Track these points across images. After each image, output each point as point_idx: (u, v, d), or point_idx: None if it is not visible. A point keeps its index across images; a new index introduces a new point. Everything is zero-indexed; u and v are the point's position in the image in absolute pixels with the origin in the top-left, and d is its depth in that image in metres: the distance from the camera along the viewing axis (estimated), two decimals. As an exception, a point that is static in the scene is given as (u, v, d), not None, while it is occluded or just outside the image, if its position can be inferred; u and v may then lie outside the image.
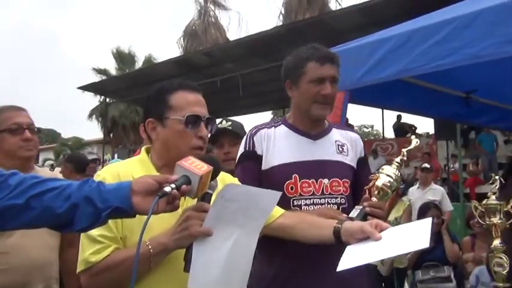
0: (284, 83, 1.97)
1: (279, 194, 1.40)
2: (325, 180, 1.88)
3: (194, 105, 1.46)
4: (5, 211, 1.09)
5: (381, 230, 1.40)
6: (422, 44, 2.60)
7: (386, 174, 1.74)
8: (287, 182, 1.87)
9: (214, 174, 1.30)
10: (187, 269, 1.26)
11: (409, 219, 5.31)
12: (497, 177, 2.21)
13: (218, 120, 2.55)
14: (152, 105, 1.49)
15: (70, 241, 2.08)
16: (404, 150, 1.80)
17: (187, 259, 1.27)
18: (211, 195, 1.32)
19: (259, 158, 1.92)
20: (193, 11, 23.80)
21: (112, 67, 25.09)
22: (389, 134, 16.40)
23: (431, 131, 14.33)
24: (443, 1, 3.31)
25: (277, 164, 1.90)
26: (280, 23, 17.72)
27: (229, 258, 1.30)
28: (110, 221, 1.29)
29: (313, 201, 1.87)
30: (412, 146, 1.84)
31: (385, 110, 12.97)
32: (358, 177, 1.97)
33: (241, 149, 1.99)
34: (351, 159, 1.97)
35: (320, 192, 1.88)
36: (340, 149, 1.96)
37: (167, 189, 1.16)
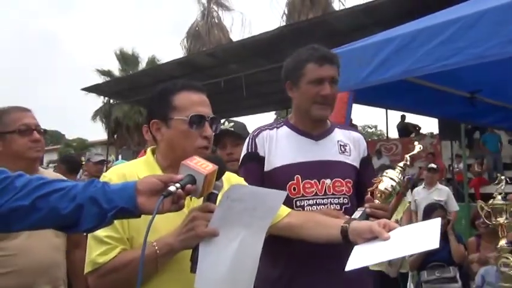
0: (284, 84, 1.98)
1: (284, 193, 1.40)
2: (328, 181, 1.89)
3: (198, 105, 1.46)
4: (12, 212, 1.09)
5: (389, 230, 1.40)
6: (426, 44, 2.60)
7: (389, 178, 1.74)
8: (289, 183, 1.87)
9: (220, 174, 1.30)
10: (193, 269, 1.26)
11: (409, 221, 5.28)
12: (503, 177, 2.21)
13: (221, 121, 2.55)
14: (156, 106, 1.49)
15: (77, 242, 2.09)
16: (407, 156, 1.80)
17: (194, 260, 1.27)
18: (217, 195, 1.32)
19: (261, 160, 1.93)
20: (197, 12, 23.91)
21: (115, 68, 25.20)
22: (393, 134, 16.36)
23: (436, 131, 14.31)
24: (446, 1, 3.30)
25: (280, 165, 1.91)
26: (284, 24, 17.74)
27: (235, 259, 1.30)
28: (116, 222, 1.30)
29: (316, 202, 1.87)
30: (415, 152, 1.84)
31: (389, 110, 12.96)
32: (362, 177, 1.97)
33: (243, 151, 2.00)
34: (353, 159, 1.97)
35: (323, 193, 1.88)
36: (343, 149, 1.97)
37: (172, 188, 1.16)
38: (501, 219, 2.13)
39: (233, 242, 1.31)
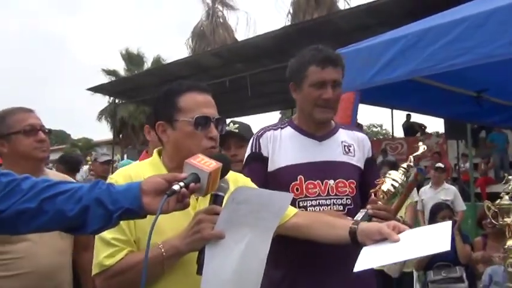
0: (289, 85, 1.98)
1: (291, 195, 1.41)
2: (331, 181, 1.88)
3: (203, 106, 1.45)
4: (19, 215, 1.10)
5: (399, 232, 1.39)
6: (433, 44, 2.59)
7: (392, 179, 1.74)
8: (292, 183, 1.87)
9: (224, 172, 1.30)
10: (199, 272, 1.26)
11: (413, 216, 5.20)
12: (510, 177, 2.20)
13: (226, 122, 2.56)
14: (161, 108, 1.49)
15: (85, 245, 2.08)
16: (411, 156, 1.80)
17: (200, 262, 1.27)
18: (223, 197, 1.32)
19: (265, 160, 1.93)
20: (201, 12, 23.90)
21: (121, 68, 25.28)
22: (399, 133, 16.30)
23: (441, 130, 14.25)
24: (452, 1, 3.29)
25: (283, 165, 1.91)
26: (289, 23, 17.72)
27: (242, 261, 1.30)
28: (123, 224, 1.30)
29: (319, 202, 1.87)
30: (419, 152, 1.83)
31: (394, 110, 12.89)
32: (366, 177, 1.97)
33: (247, 151, 2.00)
34: (357, 160, 1.97)
35: (326, 193, 1.88)
36: (347, 149, 1.96)
37: (176, 187, 1.16)
38: (508, 220, 2.12)
39: (239, 244, 1.30)
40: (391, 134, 16.93)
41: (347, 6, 16.58)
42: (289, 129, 1.99)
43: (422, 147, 1.84)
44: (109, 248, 1.32)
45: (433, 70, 2.67)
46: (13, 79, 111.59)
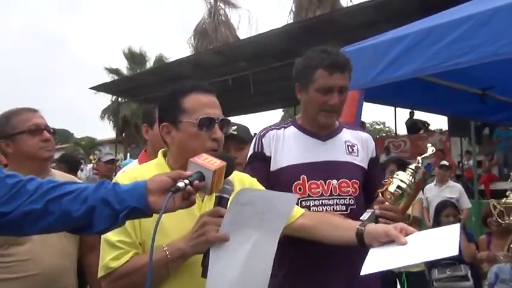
0: (294, 84, 1.96)
1: (296, 196, 1.40)
2: (334, 181, 1.88)
3: (207, 107, 1.44)
4: (25, 216, 1.09)
5: (407, 234, 1.38)
6: (439, 42, 2.58)
7: (400, 180, 1.73)
8: (295, 183, 1.87)
9: (228, 172, 1.29)
10: (204, 274, 1.26)
11: (421, 210, 5.14)
12: (516, 176, 2.19)
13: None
14: (165, 109, 1.48)
15: (91, 246, 2.07)
16: (419, 158, 1.79)
17: (205, 265, 1.27)
18: (227, 199, 1.32)
19: (267, 159, 1.93)
20: (204, 10, 23.85)
21: (123, 67, 25.30)
22: (402, 130, 16.26)
23: (445, 127, 14.20)
24: (456, -2, 3.27)
25: (286, 165, 1.90)
26: (291, 21, 17.68)
27: (247, 263, 1.29)
28: (128, 227, 1.30)
29: (322, 202, 1.86)
30: (428, 154, 1.82)
31: (398, 107, 12.85)
32: (370, 177, 1.96)
33: (250, 151, 2.00)
34: (361, 160, 1.96)
35: (328, 193, 1.87)
36: (350, 149, 1.95)
37: (180, 184, 1.15)
38: (514, 219, 2.12)
39: (244, 246, 1.30)
40: (394, 131, 16.89)
41: (350, 4, 16.54)
42: (292, 129, 1.98)
43: (431, 149, 1.83)
44: (114, 251, 1.32)
45: (438, 69, 2.66)
46: (14, 79, 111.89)
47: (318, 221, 1.63)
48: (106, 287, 1.36)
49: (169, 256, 1.30)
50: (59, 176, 2.14)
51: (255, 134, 2.09)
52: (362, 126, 8.46)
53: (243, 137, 2.53)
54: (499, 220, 2.45)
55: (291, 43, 8.91)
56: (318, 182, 1.87)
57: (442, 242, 1.30)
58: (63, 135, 38.88)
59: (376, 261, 1.35)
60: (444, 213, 4.60)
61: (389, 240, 1.38)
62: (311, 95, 1.87)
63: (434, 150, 1.85)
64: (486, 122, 10.34)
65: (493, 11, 2.42)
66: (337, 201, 1.87)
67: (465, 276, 4.34)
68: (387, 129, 33.96)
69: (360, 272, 1.32)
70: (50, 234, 1.22)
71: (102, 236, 1.33)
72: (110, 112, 24.13)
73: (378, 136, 20.48)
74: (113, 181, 1.33)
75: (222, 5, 23.45)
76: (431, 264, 4.40)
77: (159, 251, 1.27)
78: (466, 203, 6.27)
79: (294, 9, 19.24)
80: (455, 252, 1.22)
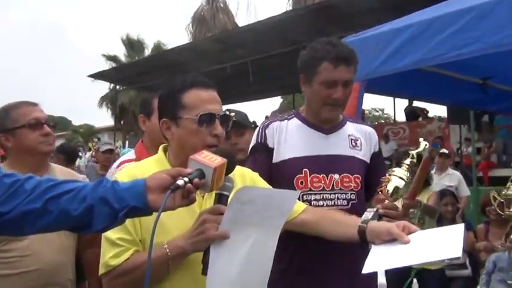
0: (299, 76, 1.94)
1: (297, 193, 1.39)
2: (336, 176, 1.87)
3: (208, 102, 1.42)
4: (24, 216, 1.09)
5: (409, 233, 1.37)
6: (440, 34, 2.56)
7: (398, 177, 1.72)
8: (297, 176, 1.86)
9: (229, 169, 1.28)
10: (205, 272, 1.26)
11: (436, 203, 5.05)
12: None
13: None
14: (165, 105, 1.47)
15: (90, 241, 2.07)
16: (414, 152, 1.78)
17: (205, 262, 1.27)
18: (227, 197, 1.31)
19: (270, 151, 1.91)
20: (202, -3, 23.57)
21: (121, 54, 25.13)
22: (401, 117, 16.25)
23: (444, 114, 14.19)
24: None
25: (288, 157, 1.89)
26: (290, 7, 17.51)
27: (247, 260, 1.29)
28: (128, 224, 1.29)
29: (323, 197, 1.86)
30: (421, 149, 1.81)
31: (398, 98, 12.81)
32: (372, 172, 1.95)
33: (253, 141, 1.98)
34: (364, 154, 1.95)
35: (330, 188, 1.86)
36: (354, 143, 1.94)
37: (180, 182, 1.14)
38: (514, 210, 2.13)
39: (244, 243, 1.29)
40: (392, 118, 16.87)
41: (349, -10, 16.35)
42: (295, 121, 1.97)
43: (423, 144, 1.82)
44: (115, 248, 1.32)
45: (440, 60, 2.65)
46: (12, 67, 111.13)
47: (321, 216, 1.63)
48: (107, 285, 1.36)
49: (169, 254, 1.29)
50: (59, 170, 2.13)
51: (253, 122, 2.08)
52: (362, 113, 8.43)
53: (242, 122, 2.52)
54: (499, 211, 2.46)
55: (290, 30, 8.85)
56: (320, 176, 1.86)
57: (446, 242, 1.29)
58: (61, 123, 38.76)
59: (377, 260, 1.34)
60: (443, 201, 4.63)
61: (392, 239, 1.38)
62: (315, 88, 1.85)
63: (428, 145, 1.83)
64: (487, 111, 10.35)
65: (495, 2, 2.40)
66: (339, 195, 1.87)
67: (463, 265, 4.39)
68: (386, 115, 33.92)
69: (360, 269, 1.32)
70: None
71: (103, 234, 1.33)
72: (108, 100, 24.01)
73: (376, 123, 20.43)
74: (113, 179, 1.32)
75: (220, -9, 23.21)
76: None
77: (159, 248, 1.27)
78: (465, 191, 6.29)
79: (292, -5, 19.04)
80: (459, 254, 1.22)
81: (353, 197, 1.88)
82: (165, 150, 1.52)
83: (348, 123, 2.00)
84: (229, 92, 11.51)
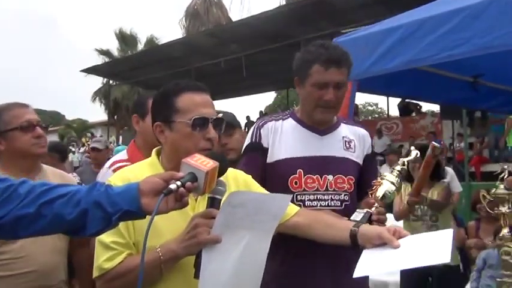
0: (294, 78, 1.95)
1: (289, 197, 1.40)
2: (330, 177, 1.88)
3: (201, 106, 1.42)
4: (18, 220, 1.10)
5: (399, 237, 1.39)
6: (431, 34, 2.57)
7: (389, 181, 1.74)
8: (291, 177, 1.87)
9: (221, 172, 1.29)
10: (197, 275, 1.27)
11: (444, 198, 4.95)
12: (506, 166, 2.22)
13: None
14: (158, 109, 1.47)
15: (81, 242, 2.06)
16: (405, 160, 1.80)
17: (197, 266, 1.28)
18: (220, 200, 1.31)
19: (265, 151, 1.92)
20: (195, -9, 23.43)
21: (114, 48, 24.96)
22: (394, 112, 16.31)
23: (436, 109, 14.26)
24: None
25: (283, 157, 1.90)
26: (284, 3, 17.47)
27: (239, 264, 1.30)
28: (122, 228, 1.30)
29: (317, 197, 1.87)
30: (412, 157, 1.83)
31: (390, 97, 12.82)
32: (364, 174, 1.97)
33: (247, 140, 1.99)
34: (357, 156, 1.97)
35: (324, 188, 1.87)
36: (347, 145, 1.96)
37: (172, 186, 1.15)
38: (503, 209, 2.16)
39: (237, 247, 1.30)
40: (386, 113, 16.93)
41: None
42: (290, 121, 1.98)
43: (414, 152, 1.84)
44: (108, 252, 1.33)
45: (431, 61, 2.66)
46: (5, 61, 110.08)
47: (313, 219, 1.63)
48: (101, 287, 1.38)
49: (162, 257, 1.30)
50: (51, 172, 2.12)
51: (247, 117, 2.09)
52: (355, 109, 8.45)
53: (231, 121, 2.52)
54: (489, 210, 2.49)
55: (284, 25, 8.85)
56: (314, 177, 1.87)
57: (435, 248, 1.30)
58: (54, 117, 38.54)
59: (368, 264, 1.37)
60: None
61: (383, 243, 1.40)
62: (308, 89, 1.87)
63: (419, 154, 1.85)
64: (478, 109, 10.41)
65: (486, 3, 2.41)
66: (332, 196, 1.88)
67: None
68: (380, 110, 34.02)
69: (352, 271, 1.33)
70: None
71: (96, 237, 1.33)
72: (101, 94, 23.88)
73: (370, 118, 20.51)
74: (106, 181, 1.33)
75: (213, -15, 23.09)
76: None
77: (152, 251, 1.28)
78: (457, 187, 6.32)
79: (286, -11, 18.99)
80: (448, 260, 1.23)
81: (346, 198, 1.90)
82: (158, 154, 1.52)
83: (342, 124, 2.01)
84: (223, 87, 11.51)
